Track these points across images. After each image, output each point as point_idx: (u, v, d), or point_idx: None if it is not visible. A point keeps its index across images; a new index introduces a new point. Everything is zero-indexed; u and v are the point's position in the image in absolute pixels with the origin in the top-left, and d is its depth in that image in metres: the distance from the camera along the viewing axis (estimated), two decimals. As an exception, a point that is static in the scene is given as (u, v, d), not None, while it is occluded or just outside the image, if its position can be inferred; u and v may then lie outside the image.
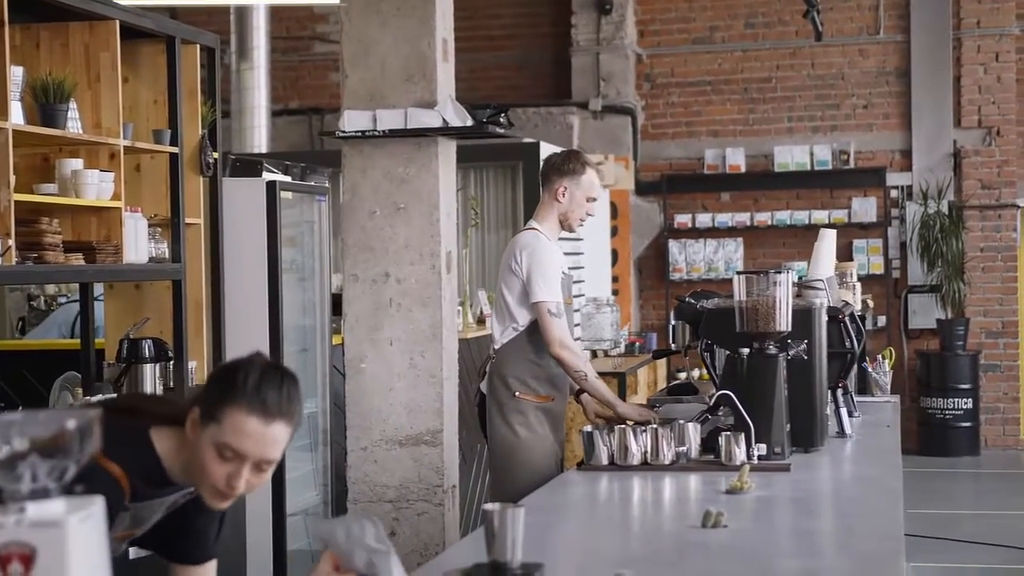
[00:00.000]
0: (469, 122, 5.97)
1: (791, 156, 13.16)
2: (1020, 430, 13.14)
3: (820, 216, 13.01)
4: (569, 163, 5.50)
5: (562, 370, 5.36)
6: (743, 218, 13.25)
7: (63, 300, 8.88)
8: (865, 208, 13.08)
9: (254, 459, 2.66)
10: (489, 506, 2.77)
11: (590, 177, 5.48)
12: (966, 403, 12.67)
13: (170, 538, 2.90)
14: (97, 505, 1.81)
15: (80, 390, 5.59)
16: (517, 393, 5.36)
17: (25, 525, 1.74)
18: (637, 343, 11.26)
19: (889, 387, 6.60)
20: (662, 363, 11.81)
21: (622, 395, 9.18)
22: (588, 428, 4.50)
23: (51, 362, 6.32)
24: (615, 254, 12.88)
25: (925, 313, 13.01)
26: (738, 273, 4.59)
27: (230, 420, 2.63)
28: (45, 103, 4.98)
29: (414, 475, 5.92)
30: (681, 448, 4.40)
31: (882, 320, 12.95)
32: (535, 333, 5.35)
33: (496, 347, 5.49)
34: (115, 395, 5.00)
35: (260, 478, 2.71)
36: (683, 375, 12.75)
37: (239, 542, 5.77)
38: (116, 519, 2.69)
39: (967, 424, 12.70)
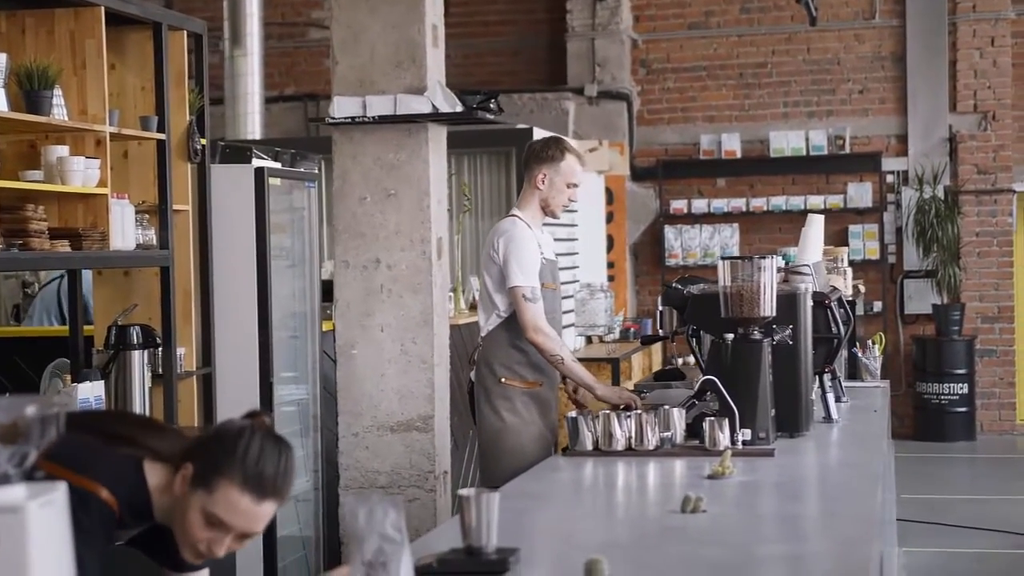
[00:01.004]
0: (459, 108, 5.97)
1: (787, 141, 13.16)
2: (1016, 415, 13.15)
3: (816, 201, 13.00)
4: (548, 150, 5.50)
5: None
6: (739, 204, 13.24)
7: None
8: (861, 193, 13.06)
9: (240, 532, 2.66)
10: (464, 492, 2.79)
11: (569, 163, 5.48)
12: (962, 388, 12.67)
13: (164, 545, 2.87)
14: (59, 491, 1.81)
15: (69, 376, 5.59)
16: (503, 379, 5.38)
17: (-15, 511, 1.74)
18: (632, 329, 11.26)
19: (879, 372, 6.60)
20: (657, 349, 11.82)
21: (616, 381, 9.18)
22: (573, 414, 4.51)
23: (43, 348, 6.33)
24: (611, 240, 12.88)
25: (921, 298, 13.01)
26: (723, 258, 4.60)
27: (223, 493, 2.62)
28: (30, 90, 4.98)
29: (405, 461, 5.93)
30: (666, 433, 4.41)
31: (878, 305, 12.95)
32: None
33: (482, 335, 5.51)
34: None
35: (241, 544, 2.70)
36: (679, 361, 12.76)
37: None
38: (106, 545, 2.68)
39: (963, 409, 12.71)
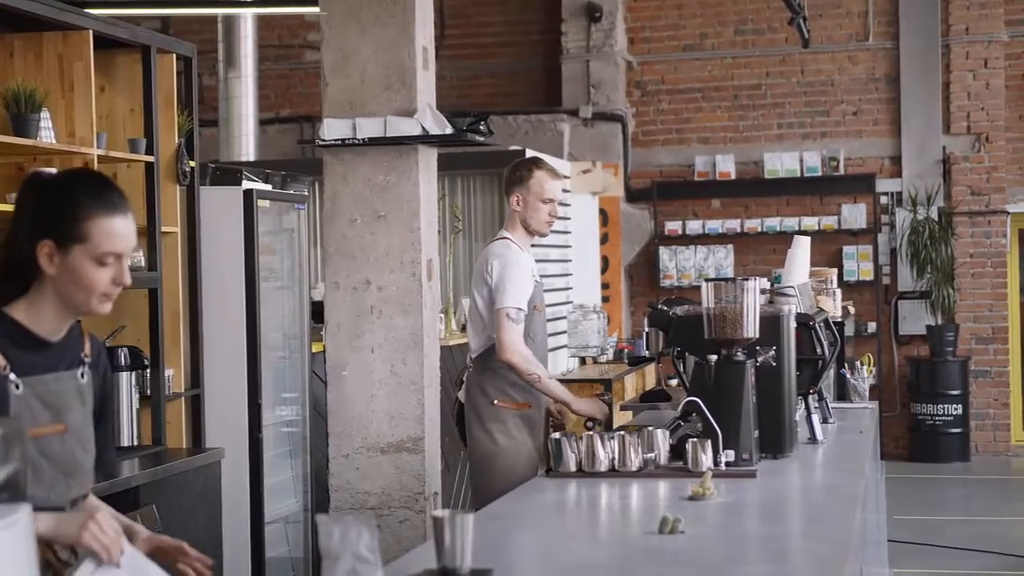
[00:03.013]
0: (448, 130, 5.99)
1: (781, 163, 13.18)
2: (1010, 436, 13.15)
3: (810, 223, 13.03)
4: (516, 172, 5.63)
5: None
6: (733, 225, 13.27)
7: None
8: (855, 214, 13.09)
9: (127, 252, 2.83)
10: (438, 513, 2.80)
11: (538, 180, 5.57)
12: (956, 409, 12.68)
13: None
14: (22, 513, 1.82)
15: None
16: (496, 401, 5.41)
17: (-54, 532, 1.75)
18: (627, 350, 11.26)
19: (867, 394, 6.60)
20: (651, 370, 11.82)
21: (609, 403, 9.18)
22: (556, 435, 4.51)
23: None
24: (605, 261, 12.90)
25: (915, 319, 13.02)
26: (706, 280, 4.61)
27: (98, 232, 2.76)
28: (17, 112, 5.00)
29: (396, 482, 5.93)
30: (649, 455, 4.41)
31: (872, 326, 12.97)
32: None
33: (473, 356, 5.56)
34: None
35: (127, 272, 2.86)
36: (674, 382, 12.75)
37: (216, 550, 5.78)
38: (5, 393, 2.72)
39: (957, 430, 12.71)
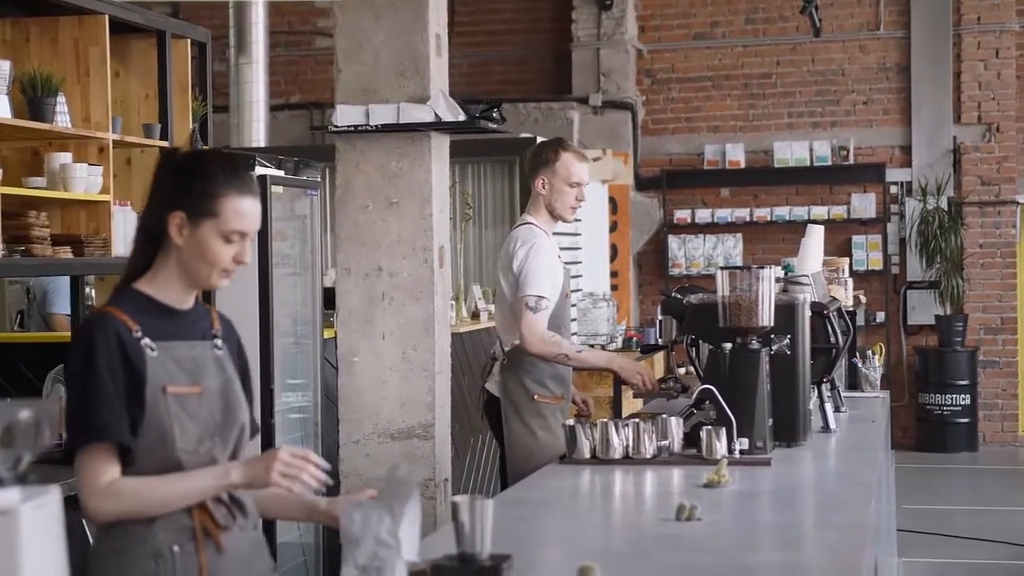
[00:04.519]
0: (461, 117, 5.98)
1: (791, 152, 13.18)
2: (1018, 426, 13.15)
3: (819, 212, 13.02)
4: (542, 153, 5.48)
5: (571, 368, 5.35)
6: (742, 214, 13.26)
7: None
8: (864, 204, 13.08)
9: (252, 232, 2.93)
10: (458, 498, 2.80)
11: (565, 163, 5.43)
12: (964, 399, 12.68)
13: None
14: (52, 495, 1.83)
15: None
16: (536, 396, 5.31)
17: (-23, 513, 1.76)
18: (635, 338, 11.26)
19: (879, 383, 6.61)
20: (660, 358, 11.82)
21: (617, 390, 9.17)
22: (571, 422, 4.52)
23: (47, 354, 6.34)
24: (614, 249, 12.90)
25: (924, 309, 13.02)
26: (721, 268, 4.61)
27: (228, 210, 2.88)
28: (33, 97, 5.01)
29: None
30: (663, 442, 4.42)
31: (881, 316, 12.96)
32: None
33: (507, 348, 5.40)
34: None
35: (249, 251, 2.97)
36: (682, 370, 12.76)
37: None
38: (142, 355, 2.86)
39: (965, 420, 12.71)
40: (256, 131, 10.90)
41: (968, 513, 10.06)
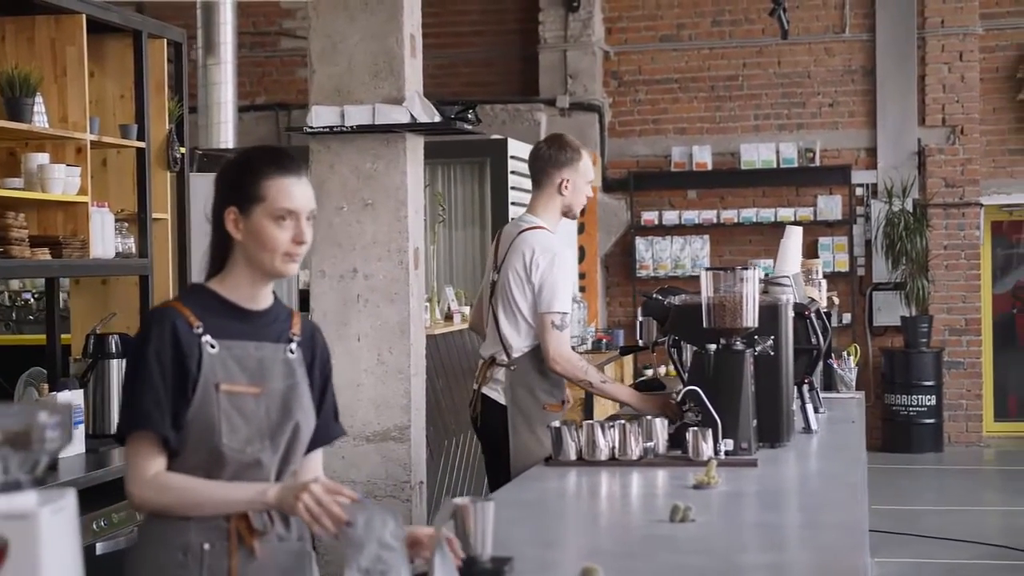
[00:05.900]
0: (437, 118, 5.97)
1: (757, 154, 13.22)
2: (982, 427, 13.24)
3: (786, 214, 13.08)
4: (565, 152, 5.27)
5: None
6: (709, 215, 13.30)
7: (27, 296, 8.84)
8: (830, 206, 13.14)
9: (304, 212, 2.96)
10: (459, 500, 2.79)
11: (586, 161, 5.31)
12: (930, 400, 12.76)
13: None
14: (69, 498, 1.80)
15: (46, 386, 5.55)
16: (546, 405, 5.16)
17: (-4, 517, 1.73)
18: (605, 340, 11.28)
19: (854, 383, 6.63)
20: (629, 360, 11.86)
21: (589, 395, 9.15)
22: (556, 423, 4.51)
23: (19, 358, 6.29)
24: (582, 251, 12.91)
25: (889, 310, 13.09)
26: (706, 269, 4.61)
27: (273, 191, 2.94)
28: (11, 97, 4.95)
29: (381, 471, 5.92)
30: (648, 444, 4.41)
31: (847, 317, 13.03)
32: None
33: (515, 355, 5.18)
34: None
35: (310, 230, 2.99)
36: (649, 372, 12.79)
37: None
38: (199, 350, 2.90)
39: (930, 421, 12.80)
40: (225, 132, 10.85)
41: (935, 513, 10.12)
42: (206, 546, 2.89)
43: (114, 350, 5.52)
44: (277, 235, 2.93)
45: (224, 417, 2.90)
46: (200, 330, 2.92)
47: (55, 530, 1.77)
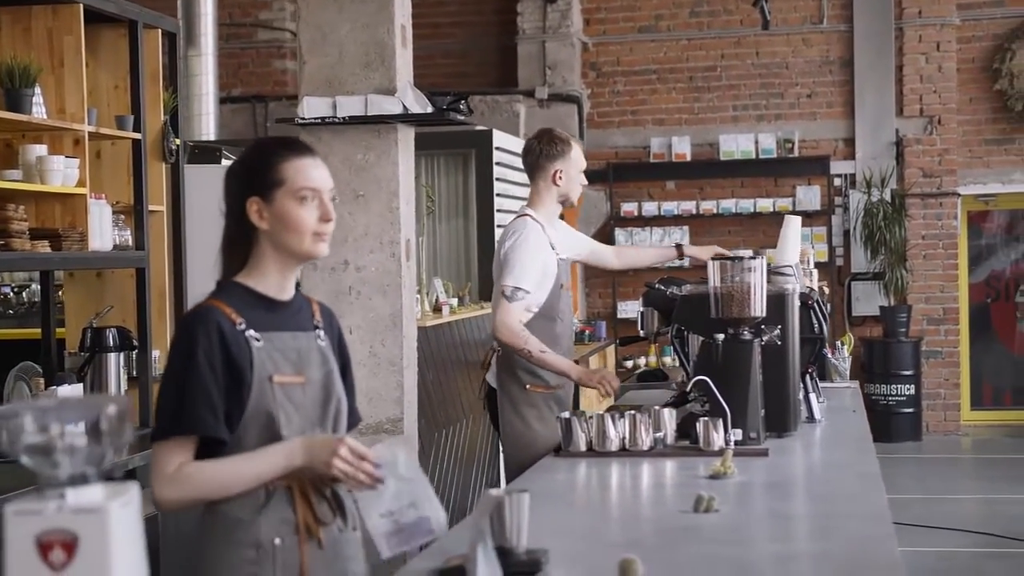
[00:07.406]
0: (429, 109, 5.95)
1: (736, 144, 13.23)
2: (960, 416, 13.31)
3: (765, 204, 13.10)
4: (555, 146, 5.46)
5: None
6: (689, 206, 13.31)
7: (6, 290, 8.78)
8: (809, 196, 13.17)
9: (324, 189, 2.96)
10: (495, 492, 2.77)
11: (576, 151, 5.50)
12: (908, 389, 12.81)
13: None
14: (134, 491, 1.78)
15: (41, 380, 5.50)
16: (528, 386, 5.28)
17: (66, 512, 1.72)
18: (587, 332, 11.28)
19: (848, 373, 6.65)
20: (611, 351, 11.85)
21: (576, 389, 9.14)
22: (566, 414, 4.50)
23: (12, 352, 6.23)
24: (562, 242, 12.87)
25: (868, 300, 13.14)
26: (713, 259, 4.60)
27: (291, 171, 2.93)
28: (10, 88, 4.90)
29: (374, 463, 5.89)
30: (658, 434, 4.41)
31: (827, 307, 13.05)
32: (540, 323, 5.27)
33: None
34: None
35: (332, 208, 2.98)
36: (629, 363, 12.80)
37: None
38: (247, 347, 2.88)
39: (909, 410, 12.85)
40: (206, 124, 10.78)
41: (916, 501, 10.16)
42: (277, 541, 2.86)
43: (111, 343, 5.48)
44: (303, 215, 2.92)
45: (281, 409, 2.89)
46: (243, 326, 2.90)
47: (123, 523, 1.76)
